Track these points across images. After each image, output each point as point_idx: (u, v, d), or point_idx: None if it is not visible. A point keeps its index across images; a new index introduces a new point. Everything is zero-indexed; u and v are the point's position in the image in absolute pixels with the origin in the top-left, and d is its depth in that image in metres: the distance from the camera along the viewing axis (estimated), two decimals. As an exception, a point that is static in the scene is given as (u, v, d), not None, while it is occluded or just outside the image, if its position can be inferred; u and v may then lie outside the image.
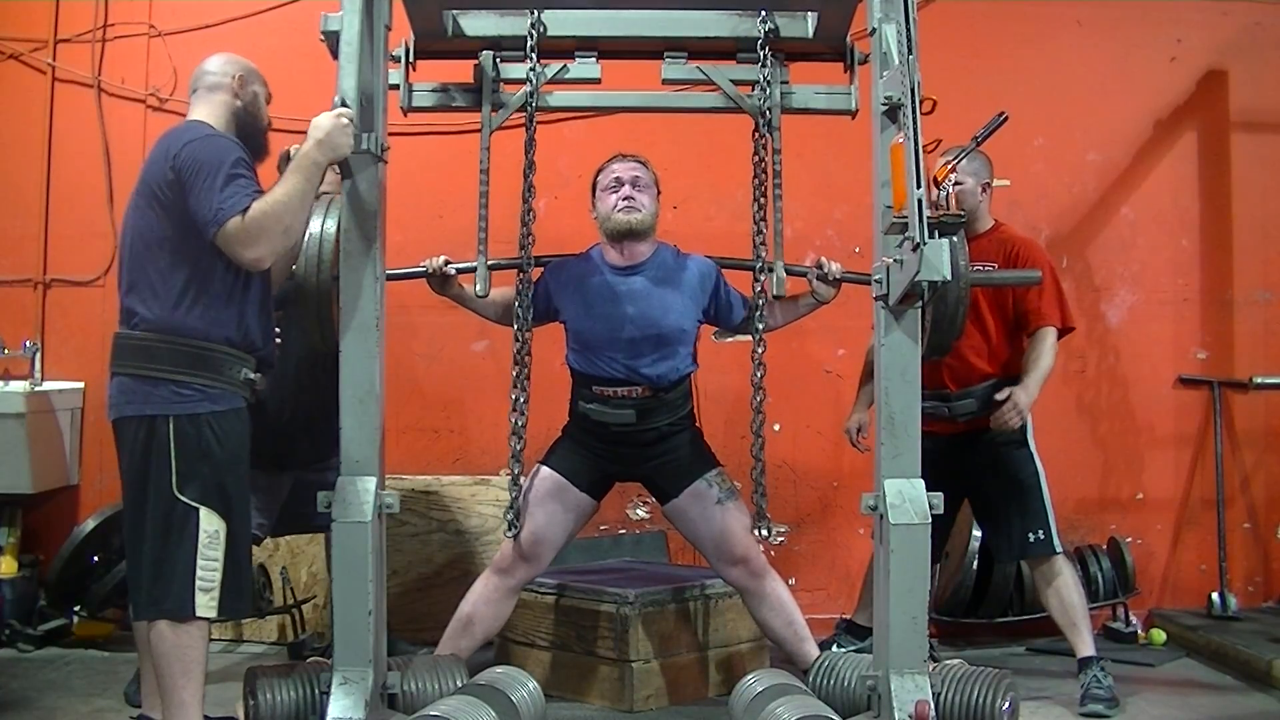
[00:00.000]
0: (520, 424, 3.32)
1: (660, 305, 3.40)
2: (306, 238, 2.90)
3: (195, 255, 2.74)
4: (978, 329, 3.65)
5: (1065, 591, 3.65)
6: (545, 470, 3.46)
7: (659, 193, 3.53)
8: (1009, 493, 3.69)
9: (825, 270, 3.35)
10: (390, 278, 3.09)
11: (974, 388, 3.69)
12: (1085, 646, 3.62)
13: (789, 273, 3.34)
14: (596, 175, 3.54)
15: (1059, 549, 3.67)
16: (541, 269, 3.47)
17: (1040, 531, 3.64)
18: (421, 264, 3.36)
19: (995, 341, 3.72)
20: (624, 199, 3.43)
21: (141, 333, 2.75)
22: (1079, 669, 3.60)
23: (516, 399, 3.32)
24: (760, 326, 3.26)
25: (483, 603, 3.39)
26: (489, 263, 3.30)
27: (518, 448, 3.32)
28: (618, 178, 3.47)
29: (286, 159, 2.94)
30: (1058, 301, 3.71)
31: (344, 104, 2.72)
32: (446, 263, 3.35)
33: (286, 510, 3.60)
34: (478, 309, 3.49)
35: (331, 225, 2.92)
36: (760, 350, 3.26)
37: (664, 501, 3.50)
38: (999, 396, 3.62)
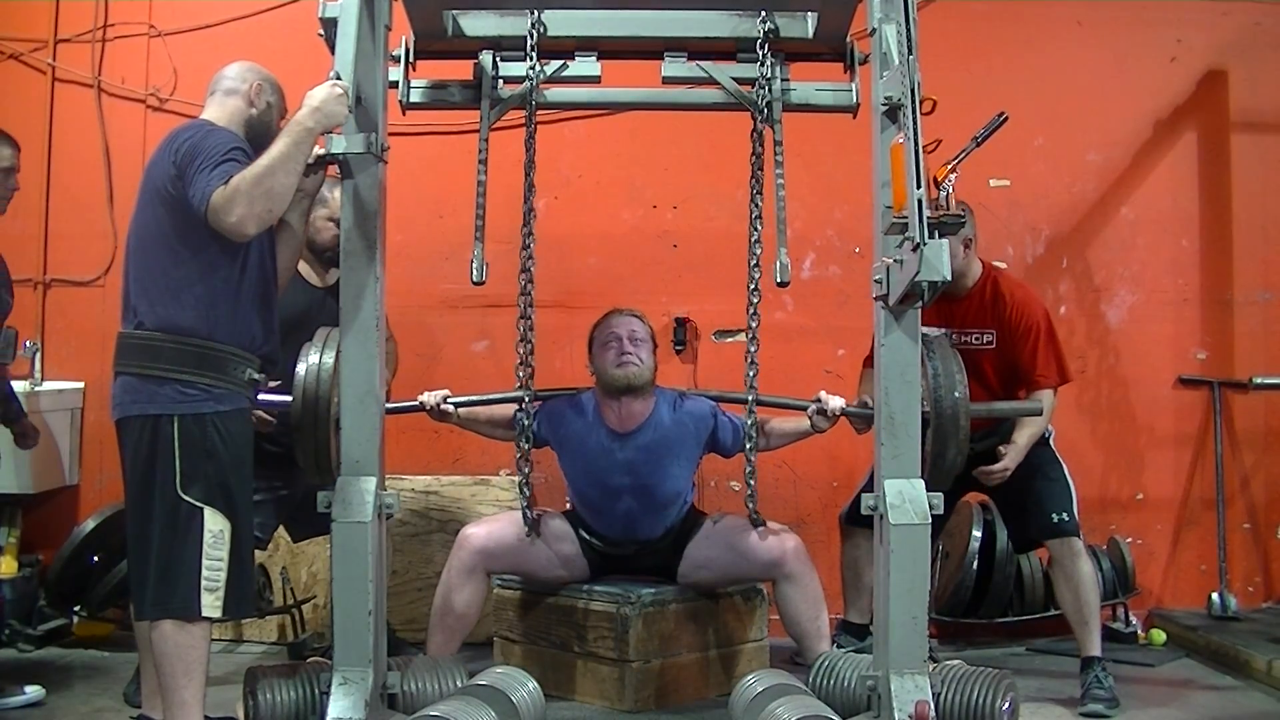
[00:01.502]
0: (526, 423, 3.37)
1: (657, 475, 3.50)
2: (304, 369, 2.84)
3: (199, 254, 2.74)
4: (983, 388, 3.67)
5: (1083, 588, 3.63)
6: (563, 520, 3.60)
7: (656, 346, 3.60)
8: (1035, 482, 3.69)
9: (825, 405, 3.41)
10: (390, 412, 3.14)
11: (992, 429, 3.68)
12: (1092, 646, 3.62)
13: (790, 407, 3.44)
14: (593, 331, 3.62)
15: (1081, 535, 3.68)
16: (539, 402, 3.51)
17: (1064, 514, 3.65)
18: (418, 399, 3.46)
19: (998, 390, 3.74)
20: (622, 354, 3.49)
21: (146, 332, 2.75)
22: (1081, 668, 3.60)
23: (521, 400, 3.37)
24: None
25: (449, 590, 3.48)
26: (484, 397, 3.49)
27: (526, 448, 3.37)
28: (615, 333, 3.54)
29: None
30: (1055, 360, 3.73)
31: (339, 77, 2.72)
32: (445, 399, 3.45)
33: (301, 514, 3.60)
34: (476, 429, 3.62)
35: (329, 360, 2.86)
36: (754, 348, 3.28)
37: (674, 578, 3.60)
38: (1001, 449, 3.62)
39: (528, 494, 3.41)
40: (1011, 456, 3.62)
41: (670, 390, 3.67)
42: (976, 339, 3.72)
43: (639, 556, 3.60)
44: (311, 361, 2.85)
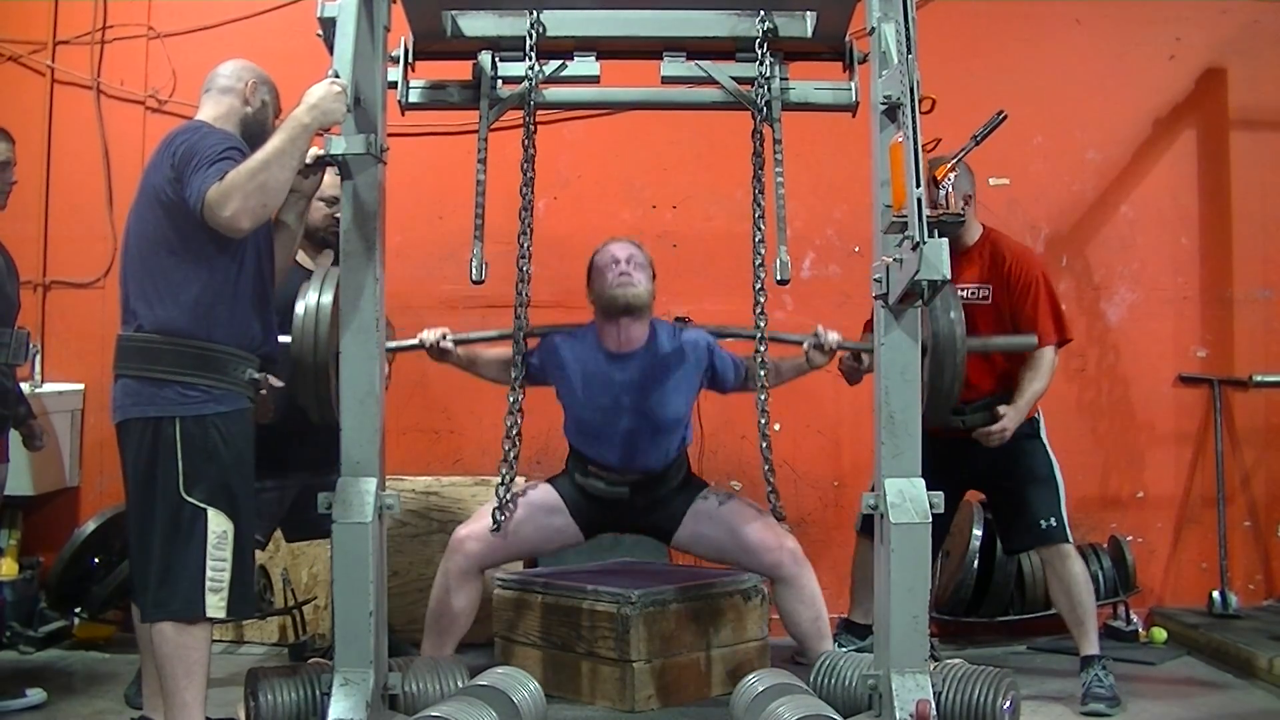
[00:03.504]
0: (515, 429, 3.34)
1: (657, 395, 3.47)
2: (302, 310, 2.89)
3: (197, 256, 2.74)
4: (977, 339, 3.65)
5: (1075, 588, 3.64)
6: (548, 487, 3.55)
7: (654, 275, 3.58)
8: (1023, 482, 3.69)
9: (821, 340, 3.39)
10: (391, 350, 3.15)
11: (985, 399, 3.68)
12: (1090, 645, 3.62)
13: (786, 341, 3.40)
14: (592, 257, 3.60)
15: (1070, 539, 3.67)
16: (537, 338, 3.53)
17: (1052, 519, 3.64)
18: (418, 337, 3.43)
19: (998, 358, 3.72)
20: (621, 274, 3.47)
21: (146, 334, 2.75)
22: (1081, 667, 3.61)
23: (513, 404, 3.35)
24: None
25: (444, 591, 3.46)
26: (482, 334, 3.47)
27: (511, 452, 3.34)
28: (614, 255, 3.52)
29: None
30: (1054, 316, 3.72)
31: (337, 75, 2.72)
32: (444, 336, 3.41)
33: (296, 515, 3.60)
34: (476, 371, 3.60)
35: (328, 299, 2.90)
36: (763, 348, 3.25)
37: (668, 539, 3.59)
38: (998, 410, 3.62)
39: (504, 495, 3.39)
40: (1011, 417, 3.60)
41: (668, 321, 3.64)
42: (974, 293, 3.70)
43: (635, 503, 3.52)
44: (310, 300, 2.90)
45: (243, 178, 2.61)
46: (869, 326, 3.55)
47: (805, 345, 3.44)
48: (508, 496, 3.39)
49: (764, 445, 3.25)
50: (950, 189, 3.50)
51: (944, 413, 3.12)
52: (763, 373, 3.27)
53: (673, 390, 3.49)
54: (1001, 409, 3.62)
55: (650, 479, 3.53)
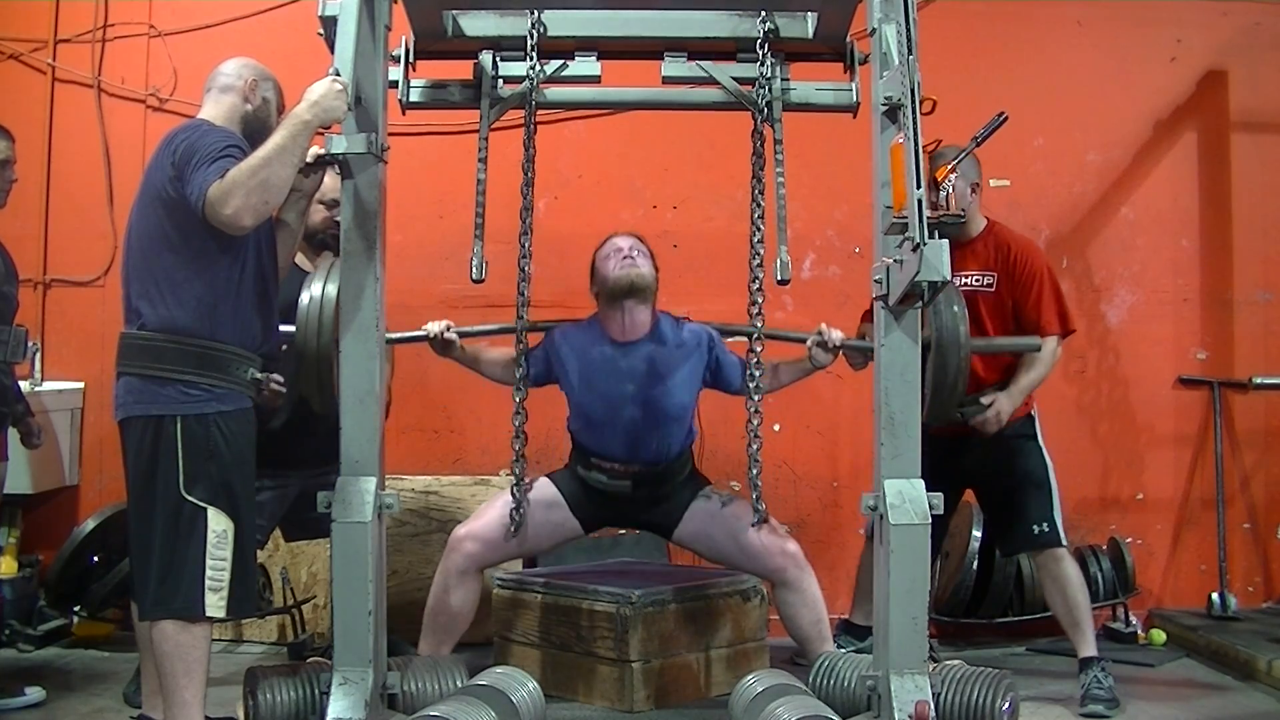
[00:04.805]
0: (521, 426, 3.34)
1: (661, 384, 3.46)
2: (306, 300, 2.91)
3: (200, 255, 2.74)
4: (979, 333, 3.64)
5: (1070, 590, 3.64)
6: (547, 482, 3.54)
7: (657, 268, 3.58)
8: (1017, 485, 3.69)
9: (825, 338, 3.38)
10: (391, 342, 3.15)
11: (983, 391, 3.69)
12: (1087, 647, 3.62)
13: (790, 340, 3.39)
14: (595, 252, 3.60)
15: (1064, 543, 3.67)
16: (541, 334, 3.53)
17: (1045, 524, 3.64)
18: (423, 329, 3.41)
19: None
20: (624, 258, 3.49)
21: (148, 333, 2.75)
22: (1080, 669, 3.60)
23: (519, 403, 3.34)
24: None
25: (442, 590, 3.47)
26: (486, 328, 3.44)
27: (519, 449, 3.34)
28: (618, 245, 3.54)
29: None
30: (1057, 307, 3.71)
31: (338, 73, 2.72)
32: (448, 327, 3.39)
33: (295, 515, 3.60)
34: (479, 369, 3.59)
35: (333, 290, 2.92)
36: (760, 348, 3.26)
37: (669, 534, 3.58)
38: (984, 400, 3.62)
39: (518, 496, 3.39)
40: (1003, 402, 3.60)
41: (672, 315, 3.64)
42: (977, 280, 3.70)
43: (637, 497, 3.51)
44: (314, 291, 2.93)
45: (244, 175, 2.61)
46: (867, 316, 3.55)
47: (809, 343, 3.43)
48: (521, 496, 3.39)
49: (754, 448, 3.27)
50: (951, 190, 3.51)
51: (948, 409, 3.11)
52: (758, 373, 3.27)
53: (677, 379, 3.48)
54: (990, 396, 3.61)
55: (653, 473, 3.52)
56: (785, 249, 3.24)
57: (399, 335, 3.35)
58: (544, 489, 3.54)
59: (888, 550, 2.79)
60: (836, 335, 3.40)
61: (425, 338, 3.43)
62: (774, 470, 4.56)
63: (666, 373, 3.47)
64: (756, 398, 3.27)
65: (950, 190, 3.51)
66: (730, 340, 3.62)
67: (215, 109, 2.93)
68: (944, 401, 3.07)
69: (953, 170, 3.49)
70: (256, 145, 2.79)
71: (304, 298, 2.94)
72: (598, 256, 3.58)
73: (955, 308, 3.10)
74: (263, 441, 2.94)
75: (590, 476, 3.53)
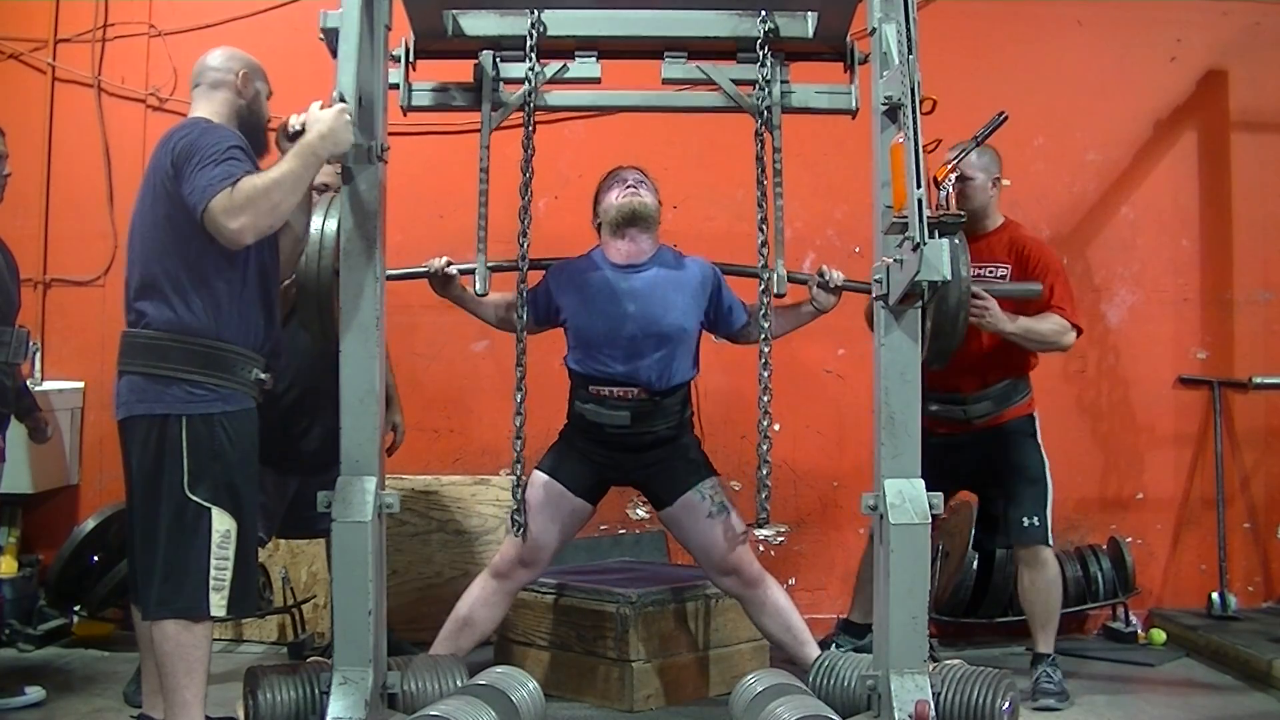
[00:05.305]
0: (521, 425, 3.32)
1: (662, 303, 3.40)
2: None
3: (204, 255, 2.74)
4: (990, 334, 3.66)
5: (1050, 589, 3.67)
6: (541, 477, 3.48)
7: (659, 204, 3.55)
8: (1012, 478, 3.71)
9: (827, 278, 3.33)
10: (391, 278, 3.09)
11: (989, 389, 3.70)
12: (1046, 644, 3.66)
13: (791, 280, 3.34)
14: (600, 183, 3.56)
15: (1050, 542, 3.68)
16: (542, 271, 3.48)
17: (1035, 519, 3.65)
18: (423, 265, 3.35)
19: (1007, 345, 3.72)
20: (628, 188, 3.45)
21: (153, 332, 2.74)
22: (1032, 663, 3.64)
23: (519, 402, 3.32)
24: (766, 326, 3.21)
25: (480, 604, 3.42)
26: (488, 264, 3.28)
27: (519, 449, 3.32)
28: (621, 176, 3.50)
29: (284, 133, 2.93)
30: (1070, 302, 3.72)
31: (342, 99, 2.72)
32: (448, 263, 3.36)
33: (292, 514, 3.60)
34: (478, 311, 3.50)
35: (332, 223, 2.95)
36: (767, 349, 3.22)
37: (659, 508, 3.53)
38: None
39: (519, 496, 3.36)
40: (998, 313, 3.54)
41: (674, 247, 3.60)
42: (990, 271, 3.71)
43: (635, 441, 3.43)
44: (314, 225, 2.96)
45: (258, 194, 2.61)
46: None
47: (810, 285, 3.37)
48: (522, 497, 3.35)
49: (764, 448, 3.22)
50: (951, 189, 3.51)
51: (947, 351, 3.05)
52: (766, 374, 3.22)
53: (678, 301, 3.43)
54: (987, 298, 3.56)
55: (650, 405, 3.40)
56: (782, 262, 3.20)
57: (399, 271, 3.27)
58: (542, 486, 3.46)
59: (888, 550, 2.79)
60: (837, 275, 3.35)
61: (427, 273, 3.36)
62: (774, 470, 4.48)
63: (667, 293, 3.42)
64: (766, 399, 3.21)
65: (950, 190, 3.51)
66: (732, 280, 3.55)
67: (210, 105, 2.91)
68: (945, 339, 3.02)
69: (953, 169, 3.49)
70: (252, 140, 2.79)
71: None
72: (601, 187, 3.54)
73: (955, 240, 3.03)
74: (265, 440, 2.93)
75: (587, 409, 3.43)
